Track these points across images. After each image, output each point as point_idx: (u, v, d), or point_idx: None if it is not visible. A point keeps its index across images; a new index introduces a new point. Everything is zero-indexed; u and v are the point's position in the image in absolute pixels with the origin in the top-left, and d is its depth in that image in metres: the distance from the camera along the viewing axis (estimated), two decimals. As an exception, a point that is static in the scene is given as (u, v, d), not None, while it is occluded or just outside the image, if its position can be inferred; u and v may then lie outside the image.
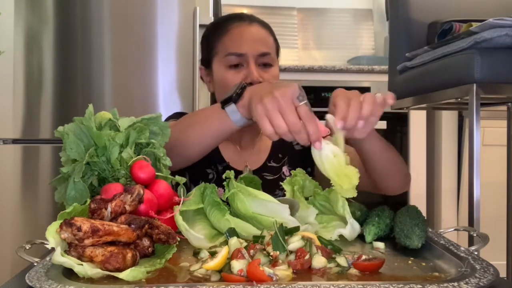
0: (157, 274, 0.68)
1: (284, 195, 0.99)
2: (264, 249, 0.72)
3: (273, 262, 0.68)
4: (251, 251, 0.71)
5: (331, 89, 2.37)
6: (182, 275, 0.68)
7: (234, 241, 0.74)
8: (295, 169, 1.02)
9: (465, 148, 2.42)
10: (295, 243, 0.72)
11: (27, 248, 0.75)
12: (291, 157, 1.35)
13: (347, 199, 0.90)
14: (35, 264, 0.69)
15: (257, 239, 0.77)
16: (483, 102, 1.33)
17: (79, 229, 0.67)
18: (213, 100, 2.02)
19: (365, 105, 0.88)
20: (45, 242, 0.71)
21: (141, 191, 0.80)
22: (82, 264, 0.66)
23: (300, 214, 0.89)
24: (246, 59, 1.23)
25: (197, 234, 0.82)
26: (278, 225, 0.75)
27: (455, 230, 0.93)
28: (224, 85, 1.24)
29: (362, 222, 0.89)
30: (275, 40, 1.32)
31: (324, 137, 0.86)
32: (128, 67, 2.00)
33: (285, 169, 1.35)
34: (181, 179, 0.96)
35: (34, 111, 1.98)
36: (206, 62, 1.33)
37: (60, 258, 0.66)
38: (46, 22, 1.99)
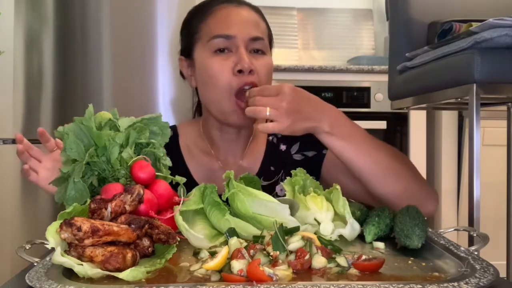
0: (157, 274, 0.68)
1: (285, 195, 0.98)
2: (264, 249, 0.71)
3: (273, 262, 0.68)
4: (251, 251, 0.71)
5: (331, 89, 2.39)
6: (182, 275, 0.68)
7: (234, 241, 0.73)
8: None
9: (465, 148, 2.42)
10: (295, 243, 0.72)
11: (27, 248, 0.75)
12: (289, 170, 1.01)
13: (348, 199, 0.90)
14: (35, 264, 0.69)
15: (257, 239, 0.77)
16: (483, 102, 1.33)
17: (79, 229, 0.67)
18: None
19: None
20: (45, 242, 0.71)
21: (141, 191, 0.80)
22: (82, 264, 0.66)
23: (300, 214, 0.89)
24: (235, 43, 1.04)
25: (197, 234, 0.82)
26: (278, 225, 0.75)
27: (455, 230, 0.93)
28: (208, 75, 1.05)
29: (362, 222, 0.89)
30: (268, 28, 1.16)
31: None
32: (128, 67, 2.00)
33: (279, 188, 1.14)
34: (181, 179, 0.96)
35: (34, 111, 1.98)
36: (187, 51, 1.13)
37: (60, 258, 0.66)
38: (46, 22, 1.99)
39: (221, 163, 1.16)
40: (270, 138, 1.21)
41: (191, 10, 1.16)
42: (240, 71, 1.03)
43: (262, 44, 1.09)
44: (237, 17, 1.08)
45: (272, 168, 1.17)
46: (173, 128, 1.20)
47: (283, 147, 1.20)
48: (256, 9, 1.15)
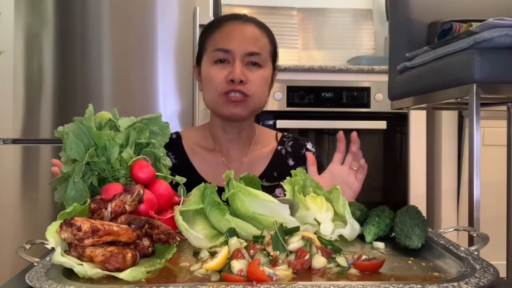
0: (157, 274, 0.68)
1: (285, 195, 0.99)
2: (264, 249, 0.72)
3: (273, 262, 0.68)
4: (251, 251, 0.71)
5: (331, 89, 2.39)
6: (182, 275, 0.68)
7: (234, 241, 0.74)
8: None
9: (465, 148, 2.42)
10: (295, 243, 0.72)
11: (27, 248, 0.75)
12: (286, 176, 1.04)
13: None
14: (35, 264, 0.69)
15: (257, 239, 0.77)
16: (483, 102, 1.33)
17: (79, 229, 0.67)
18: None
19: None
20: (45, 242, 0.71)
21: (141, 191, 0.81)
22: (82, 264, 0.66)
23: (300, 214, 0.89)
24: (232, 56, 1.20)
25: (197, 234, 0.82)
26: (278, 225, 0.75)
27: (455, 230, 0.93)
28: (208, 81, 1.22)
29: (362, 222, 0.89)
30: (272, 43, 1.28)
31: None
32: (128, 67, 2.00)
33: (279, 191, 1.23)
34: (181, 179, 0.96)
35: (34, 111, 1.98)
36: (198, 59, 1.31)
37: (60, 258, 0.66)
38: (46, 22, 1.99)
39: (224, 159, 1.28)
40: (279, 148, 1.33)
41: (206, 25, 1.32)
42: (232, 80, 1.18)
43: (258, 58, 1.22)
44: (238, 33, 1.23)
45: (275, 174, 1.28)
46: (176, 133, 1.35)
47: (291, 162, 1.32)
48: (261, 26, 1.28)
